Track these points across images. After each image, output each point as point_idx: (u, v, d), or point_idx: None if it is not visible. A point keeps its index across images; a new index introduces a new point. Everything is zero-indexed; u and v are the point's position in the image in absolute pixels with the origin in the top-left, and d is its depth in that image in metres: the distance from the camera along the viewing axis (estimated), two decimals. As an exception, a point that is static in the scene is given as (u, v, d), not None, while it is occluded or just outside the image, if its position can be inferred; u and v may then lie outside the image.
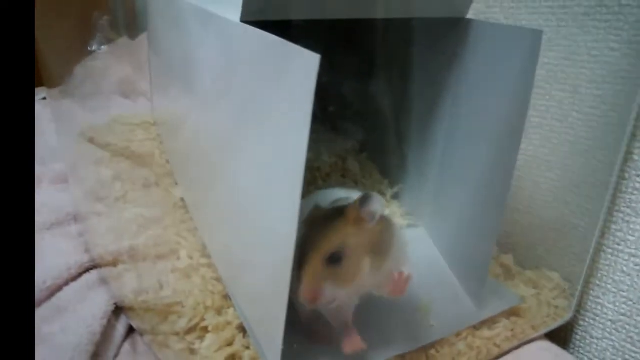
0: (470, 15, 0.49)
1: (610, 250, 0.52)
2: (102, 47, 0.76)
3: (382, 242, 0.40)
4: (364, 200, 0.38)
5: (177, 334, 0.44)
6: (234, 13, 0.38)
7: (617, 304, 0.52)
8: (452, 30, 0.49)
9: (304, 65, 0.29)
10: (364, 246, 0.39)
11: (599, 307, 0.53)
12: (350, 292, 0.40)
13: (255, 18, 0.37)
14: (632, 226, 0.50)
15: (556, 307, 0.52)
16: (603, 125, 0.50)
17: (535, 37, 0.40)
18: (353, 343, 0.42)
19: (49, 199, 0.67)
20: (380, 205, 0.39)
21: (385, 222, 0.41)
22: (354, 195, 0.41)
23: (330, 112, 0.62)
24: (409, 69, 0.54)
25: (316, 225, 0.39)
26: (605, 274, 0.52)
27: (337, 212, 0.39)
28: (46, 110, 0.93)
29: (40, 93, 1.03)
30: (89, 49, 0.76)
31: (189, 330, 0.44)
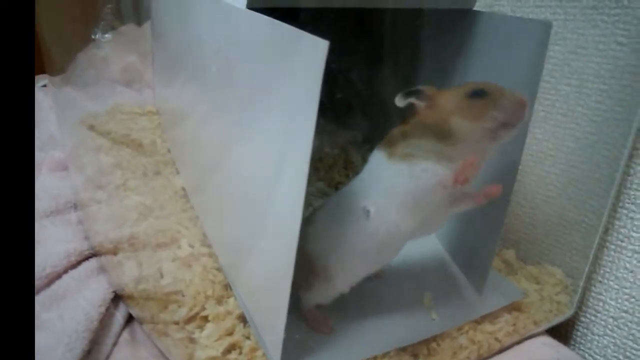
0: (477, 7, 0.48)
1: (613, 247, 0.52)
2: (106, 35, 0.76)
3: None
4: None
5: (176, 323, 0.44)
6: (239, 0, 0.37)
7: (620, 301, 0.51)
8: (460, 22, 0.48)
9: (312, 51, 0.29)
10: None
11: (601, 304, 0.53)
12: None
13: (261, 5, 0.37)
14: (636, 223, 0.50)
15: (558, 302, 0.52)
16: (608, 120, 0.50)
17: (544, 29, 0.40)
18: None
19: (48, 186, 0.67)
20: None
21: None
22: None
23: (334, 102, 0.62)
24: (416, 60, 0.53)
25: None
26: (608, 270, 0.52)
27: None
28: (47, 98, 0.92)
29: (41, 80, 1.02)
30: (92, 37, 0.76)
31: (189, 320, 0.44)
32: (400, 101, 0.40)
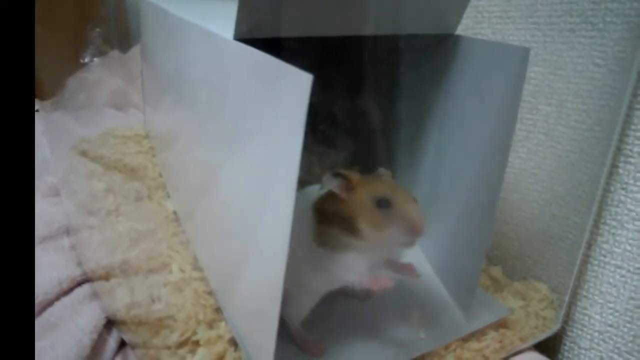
0: (458, 30, 0.49)
1: (596, 262, 0.53)
2: (95, 59, 0.77)
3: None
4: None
5: (168, 347, 0.44)
6: (227, 30, 0.38)
7: (604, 315, 0.52)
8: (441, 46, 0.50)
9: (296, 84, 0.30)
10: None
11: (587, 318, 0.54)
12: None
13: (248, 36, 0.37)
14: (617, 238, 0.51)
15: (544, 318, 0.53)
16: (588, 139, 0.51)
17: (522, 54, 0.41)
18: None
19: (41, 211, 0.67)
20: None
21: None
22: None
23: (322, 125, 0.63)
24: (399, 85, 0.55)
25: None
26: (592, 285, 0.53)
27: None
28: (38, 123, 0.93)
29: (31, 105, 1.03)
30: (81, 61, 0.77)
31: (181, 344, 0.44)
32: (328, 181, 0.42)
